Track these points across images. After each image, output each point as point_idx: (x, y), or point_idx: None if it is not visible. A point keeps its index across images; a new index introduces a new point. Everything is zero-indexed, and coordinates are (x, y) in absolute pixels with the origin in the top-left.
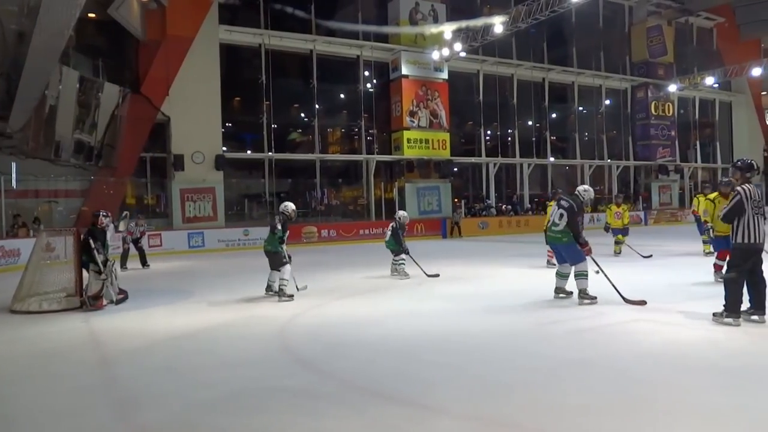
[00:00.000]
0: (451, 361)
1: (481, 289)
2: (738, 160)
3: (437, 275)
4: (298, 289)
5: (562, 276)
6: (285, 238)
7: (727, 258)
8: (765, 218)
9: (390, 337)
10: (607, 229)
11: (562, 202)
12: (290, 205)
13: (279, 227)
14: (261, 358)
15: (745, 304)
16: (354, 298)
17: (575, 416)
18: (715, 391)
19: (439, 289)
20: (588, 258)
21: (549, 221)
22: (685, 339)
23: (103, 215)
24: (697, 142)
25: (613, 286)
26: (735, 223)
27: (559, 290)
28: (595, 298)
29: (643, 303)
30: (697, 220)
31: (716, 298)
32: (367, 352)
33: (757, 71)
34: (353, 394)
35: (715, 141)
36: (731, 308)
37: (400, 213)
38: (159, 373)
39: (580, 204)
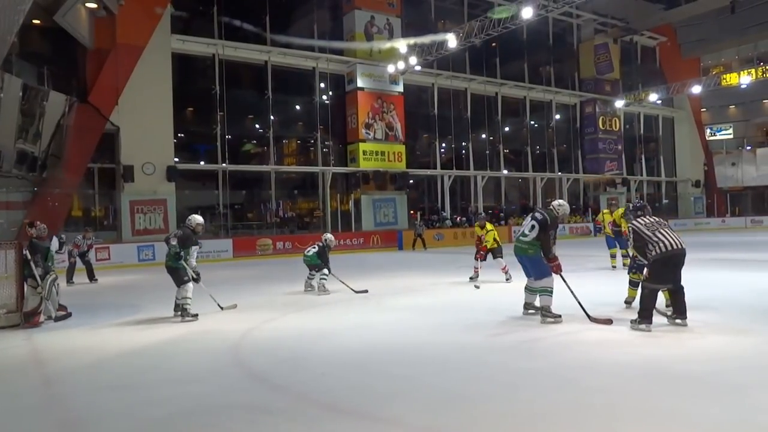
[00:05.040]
0: (406, 372)
1: (435, 300)
2: (629, 204)
3: (365, 291)
4: (222, 308)
5: (531, 291)
6: (187, 253)
7: (646, 271)
8: (669, 228)
9: (345, 350)
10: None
11: (536, 215)
12: (196, 218)
13: (174, 242)
14: (214, 374)
15: (670, 309)
16: (309, 312)
17: (527, 424)
18: (659, 397)
19: (393, 302)
20: (555, 275)
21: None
22: (631, 347)
23: (28, 225)
24: (643, 156)
25: (580, 304)
26: (645, 247)
27: (528, 306)
28: (560, 316)
29: (609, 322)
30: None
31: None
32: (321, 365)
33: (697, 89)
34: (308, 409)
35: (659, 155)
36: (645, 315)
37: (328, 236)
38: (106, 392)
39: (554, 218)
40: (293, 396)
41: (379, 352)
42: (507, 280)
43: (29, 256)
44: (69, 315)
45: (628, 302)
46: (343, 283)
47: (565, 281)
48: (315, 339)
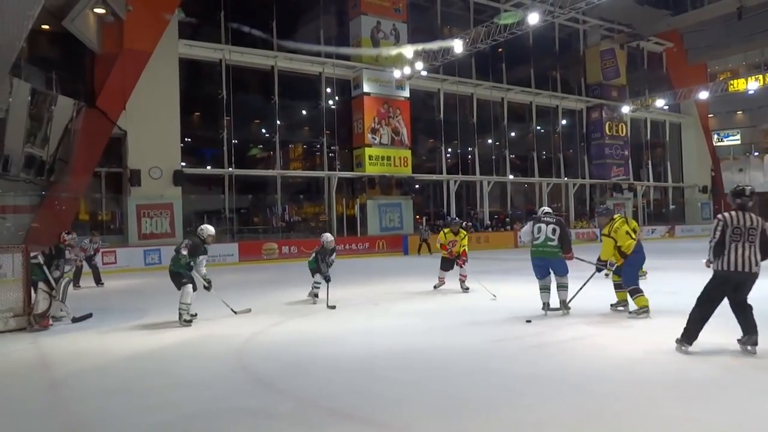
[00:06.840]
0: (410, 378)
1: (440, 305)
2: (736, 186)
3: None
4: (235, 312)
5: (546, 289)
6: (195, 261)
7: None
8: (752, 246)
9: (349, 355)
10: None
11: (549, 220)
12: (208, 230)
13: (184, 251)
14: (218, 378)
15: (739, 333)
16: (313, 316)
17: (533, 430)
18: (666, 404)
19: (397, 307)
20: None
21: (539, 238)
22: (636, 354)
23: (66, 233)
24: (649, 162)
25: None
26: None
27: (546, 306)
28: (569, 308)
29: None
30: None
31: (663, 314)
32: (325, 370)
33: (704, 95)
34: (312, 414)
35: (666, 161)
36: (687, 334)
37: (325, 237)
38: (111, 396)
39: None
40: (297, 401)
41: (384, 357)
42: (464, 289)
43: (49, 260)
44: (73, 318)
45: (614, 305)
46: (326, 294)
47: (583, 260)
48: (319, 344)
